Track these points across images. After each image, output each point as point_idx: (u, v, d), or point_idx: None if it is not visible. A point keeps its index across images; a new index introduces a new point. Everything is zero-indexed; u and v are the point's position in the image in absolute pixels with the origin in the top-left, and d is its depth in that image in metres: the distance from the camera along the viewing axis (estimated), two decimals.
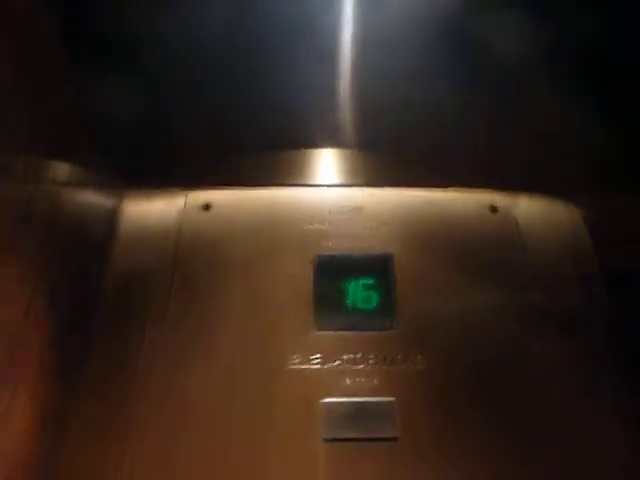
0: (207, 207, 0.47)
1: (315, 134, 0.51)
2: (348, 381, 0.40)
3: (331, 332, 0.42)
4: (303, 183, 0.50)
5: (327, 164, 0.52)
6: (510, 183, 0.49)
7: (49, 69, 0.37)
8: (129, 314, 0.42)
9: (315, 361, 0.40)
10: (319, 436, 0.37)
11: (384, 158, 0.51)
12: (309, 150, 0.51)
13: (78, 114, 0.40)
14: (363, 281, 0.44)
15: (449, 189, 0.49)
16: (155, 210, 0.47)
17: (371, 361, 0.41)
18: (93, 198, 0.44)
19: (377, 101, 0.48)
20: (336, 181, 0.51)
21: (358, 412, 0.38)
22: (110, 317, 0.42)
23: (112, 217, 0.46)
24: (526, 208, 0.49)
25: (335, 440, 0.37)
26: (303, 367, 0.40)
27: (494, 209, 0.48)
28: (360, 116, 0.50)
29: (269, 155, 0.50)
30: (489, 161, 0.48)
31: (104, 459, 0.36)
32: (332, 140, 0.52)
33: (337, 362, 0.40)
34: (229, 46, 0.43)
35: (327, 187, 0.50)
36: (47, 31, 0.36)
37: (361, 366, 0.40)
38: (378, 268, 0.45)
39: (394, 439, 0.38)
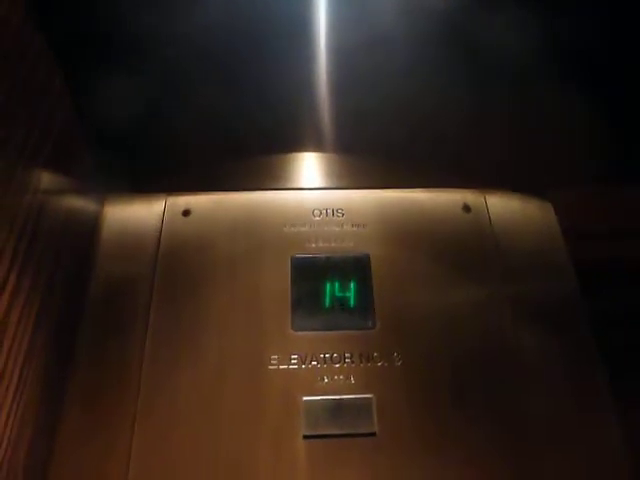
0: (187, 213, 0.47)
1: (295, 138, 0.52)
2: (326, 380, 0.41)
3: (309, 332, 0.43)
4: (284, 187, 0.51)
5: (308, 168, 0.53)
6: (482, 182, 0.50)
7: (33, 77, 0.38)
8: (116, 319, 0.43)
9: (294, 361, 0.41)
10: (300, 433, 0.39)
11: (363, 161, 0.52)
12: (290, 154, 0.52)
13: (58, 123, 0.41)
14: (340, 281, 0.45)
15: (425, 190, 0.50)
16: (135, 216, 0.47)
17: (348, 360, 0.42)
18: (76, 205, 0.45)
19: (355, 104, 0.49)
20: (317, 184, 0.52)
21: (336, 409, 0.40)
22: (98, 322, 0.43)
23: (94, 223, 0.47)
24: (498, 206, 0.50)
25: (315, 437, 0.39)
26: (282, 367, 0.41)
27: (467, 208, 0.49)
28: (340, 119, 0.51)
29: (249, 160, 0.51)
30: (461, 161, 0.49)
31: (94, 463, 0.37)
32: (312, 144, 0.52)
33: (315, 361, 0.42)
34: (205, 51, 0.44)
35: (308, 190, 0.51)
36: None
37: (338, 365, 0.42)
38: (356, 268, 0.46)
39: (372, 434, 0.39)
